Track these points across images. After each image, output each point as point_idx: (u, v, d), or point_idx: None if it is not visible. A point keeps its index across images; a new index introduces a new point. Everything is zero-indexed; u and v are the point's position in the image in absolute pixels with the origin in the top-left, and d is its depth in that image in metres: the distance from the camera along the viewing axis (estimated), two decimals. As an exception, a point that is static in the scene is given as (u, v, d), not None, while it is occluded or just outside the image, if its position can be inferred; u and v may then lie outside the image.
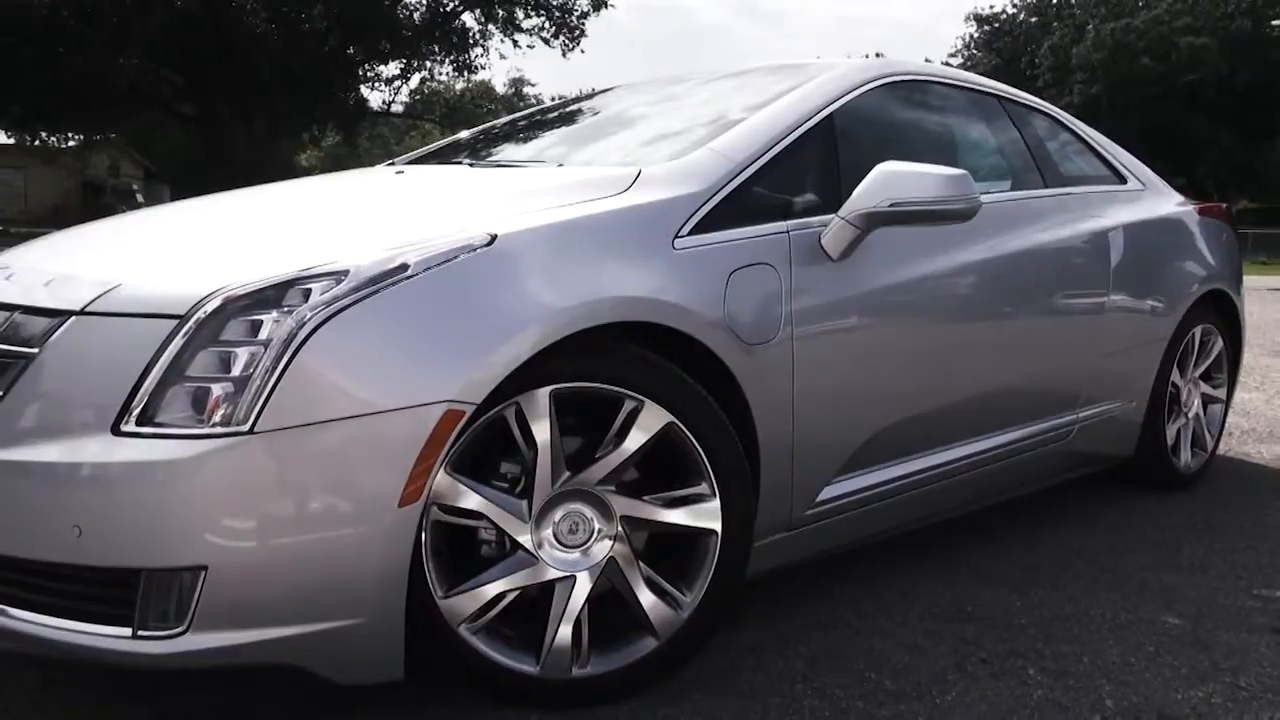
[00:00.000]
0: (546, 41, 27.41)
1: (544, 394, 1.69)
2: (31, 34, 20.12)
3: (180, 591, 1.47)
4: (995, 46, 47.53)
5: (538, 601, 1.76)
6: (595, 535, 1.78)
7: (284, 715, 1.79)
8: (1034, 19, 47.06)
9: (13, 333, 1.65)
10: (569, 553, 1.76)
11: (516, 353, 1.62)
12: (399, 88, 30.17)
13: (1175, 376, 3.26)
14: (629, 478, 1.82)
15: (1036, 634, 2.15)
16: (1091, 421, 2.93)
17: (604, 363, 1.75)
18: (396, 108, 30.95)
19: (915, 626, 2.18)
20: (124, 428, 1.48)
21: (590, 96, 3.37)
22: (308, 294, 1.54)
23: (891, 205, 2.07)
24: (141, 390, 1.49)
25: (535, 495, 1.73)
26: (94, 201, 30.53)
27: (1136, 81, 37.62)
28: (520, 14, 26.95)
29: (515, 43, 27.98)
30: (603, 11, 26.99)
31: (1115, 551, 2.70)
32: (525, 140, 2.98)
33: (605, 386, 1.75)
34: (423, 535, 1.61)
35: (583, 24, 27.16)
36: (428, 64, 28.30)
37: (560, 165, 2.37)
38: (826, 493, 2.15)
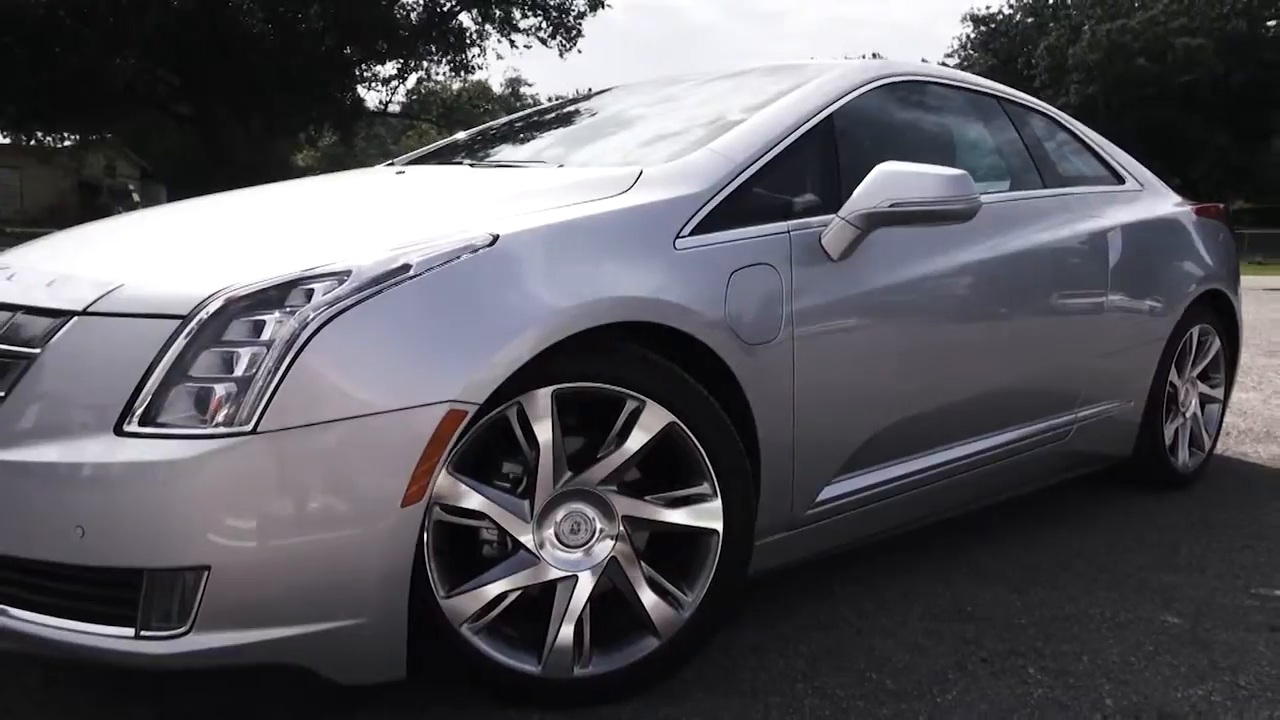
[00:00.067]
0: (543, 42, 27.42)
1: (546, 394, 1.69)
2: (27, 34, 20.08)
3: (183, 591, 1.47)
4: (992, 47, 47.61)
5: (539, 601, 1.76)
6: (597, 535, 1.78)
7: (286, 715, 1.79)
8: (1030, 20, 47.16)
9: (14, 333, 1.65)
10: (571, 552, 1.76)
11: (519, 353, 1.62)
12: (396, 88, 30.25)
13: (1173, 376, 3.27)
14: (630, 478, 1.82)
15: (1036, 633, 2.15)
16: (1090, 421, 2.93)
17: (606, 363, 1.75)
18: (393, 108, 30.95)
19: (915, 626, 2.18)
20: (126, 428, 1.48)
21: (588, 97, 3.37)
22: (310, 294, 1.54)
23: (892, 205, 2.08)
24: (144, 390, 1.49)
25: (537, 495, 1.73)
26: (90, 202, 30.48)
27: (1132, 82, 37.70)
28: (517, 14, 26.96)
29: (512, 43, 28.03)
30: (599, 11, 27.01)
31: (1114, 551, 2.71)
32: (525, 141, 2.98)
33: (607, 387, 1.75)
34: (425, 535, 1.62)
35: (579, 24, 27.17)
36: (425, 64, 28.31)
37: (561, 166, 2.37)
38: (827, 492, 2.16)
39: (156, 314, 1.55)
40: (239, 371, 1.49)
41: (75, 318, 1.59)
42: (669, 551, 1.87)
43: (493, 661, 1.72)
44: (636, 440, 1.77)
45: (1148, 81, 37.52)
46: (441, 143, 3.19)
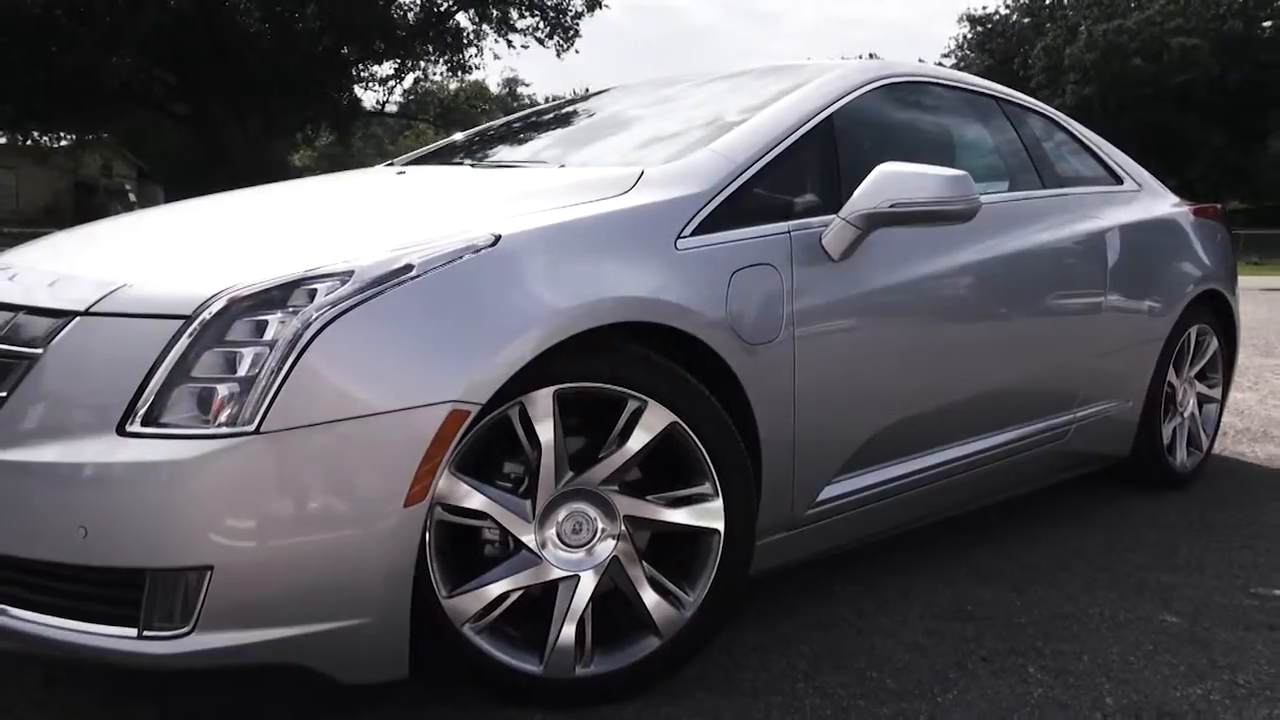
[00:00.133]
0: (541, 41, 27.43)
1: (548, 394, 1.69)
2: (23, 33, 20.05)
3: (186, 591, 1.47)
4: (988, 47, 47.66)
5: (541, 601, 1.76)
6: (598, 535, 1.78)
7: (288, 715, 1.79)
8: (1027, 20, 47.21)
9: (16, 333, 1.65)
10: (572, 552, 1.76)
11: (521, 353, 1.62)
12: (393, 88, 30.17)
13: (1171, 376, 3.28)
14: (632, 477, 1.83)
15: (1036, 633, 2.16)
16: (1088, 421, 2.94)
17: (607, 363, 1.76)
18: (390, 108, 30.95)
19: (916, 625, 2.19)
20: (129, 428, 1.48)
21: (588, 98, 3.37)
22: (313, 294, 1.54)
23: (892, 206, 2.08)
24: (147, 391, 1.49)
25: (539, 495, 1.73)
26: (86, 201, 30.44)
27: (1129, 82, 37.76)
28: (514, 14, 26.96)
29: (509, 43, 28.09)
30: (597, 11, 27.02)
31: (1113, 551, 2.72)
32: (525, 141, 2.98)
33: (609, 387, 1.75)
34: (427, 535, 1.62)
35: (577, 24, 27.21)
36: (422, 64, 28.30)
37: (562, 166, 2.38)
38: (827, 492, 2.16)
39: (159, 314, 1.55)
40: (242, 371, 1.49)
41: (78, 318, 1.59)
42: (670, 551, 1.87)
43: (494, 661, 1.72)
44: (638, 440, 1.77)
45: (1144, 82, 37.58)
46: (441, 143, 3.20)
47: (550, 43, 27.43)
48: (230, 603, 1.48)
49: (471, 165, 2.63)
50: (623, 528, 1.79)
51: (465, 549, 1.74)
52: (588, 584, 1.76)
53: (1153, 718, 1.80)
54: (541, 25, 27.21)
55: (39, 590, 1.54)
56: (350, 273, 1.57)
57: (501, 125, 3.24)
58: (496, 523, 1.71)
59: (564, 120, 3.09)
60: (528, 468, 1.74)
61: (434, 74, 29.85)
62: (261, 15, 24.38)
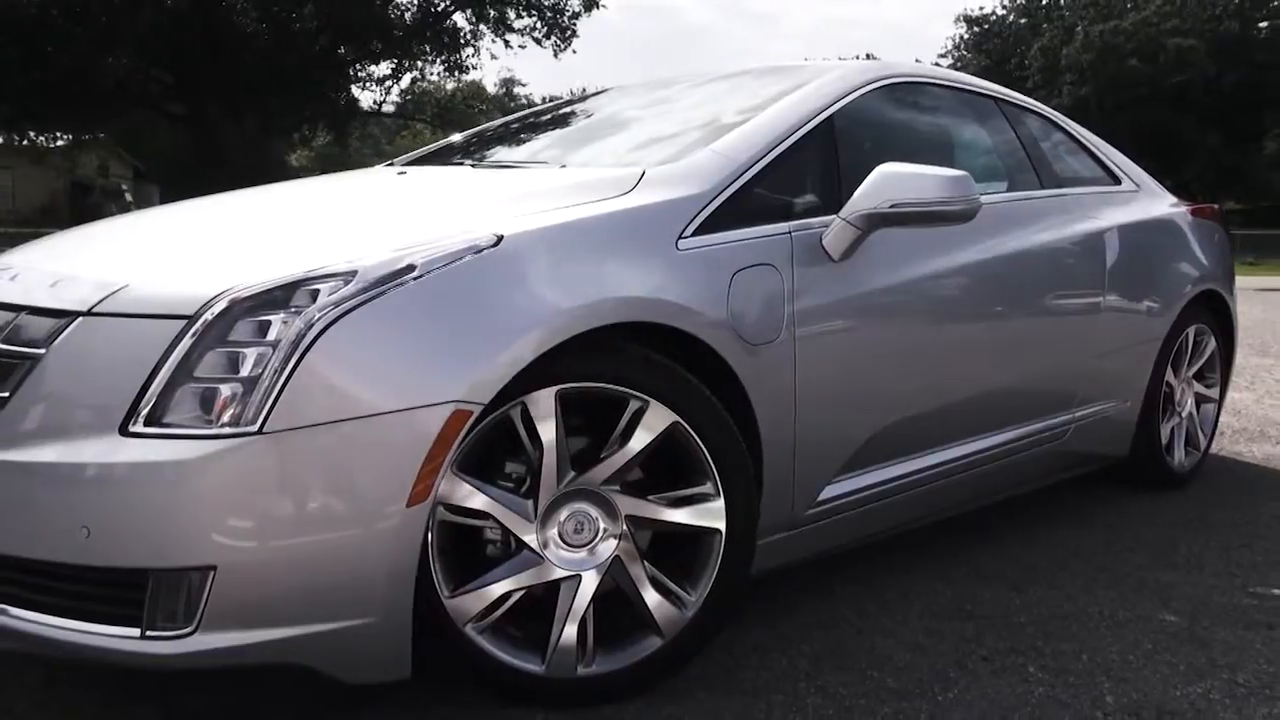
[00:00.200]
0: (538, 42, 27.44)
1: (550, 394, 1.70)
2: (19, 33, 20.01)
3: (189, 592, 1.47)
4: (985, 48, 47.69)
5: (543, 601, 1.76)
6: (600, 535, 1.78)
7: (290, 715, 1.79)
8: (1023, 20, 47.25)
9: (18, 334, 1.65)
10: (574, 552, 1.77)
11: (523, 353, 1.63)
12: (390, 88, 30.12)
13: (1169, 376, 3.28)
14: (634, 477, 1.83)
15: (1036, 632, 2.16)
16: (1087, 421, 2.95)
17: (609, 363, 1.76)
18: (388, 108, 30.93)
19: (916, 625, 2.19)
20: (132, 428, 1.49)
21: (587, 98, 3.37)
22: (315, 295, 1.54)
23: (892, 206, 2.09)
24: (149, 391, 1.49)
25: (541, 495, 1.73)
26: (82, 201, 30.35)
27: (1125, 83, 37.80)
28: (512, 14, 26.96)
29: (507, 43, 28.03)
30: (594, 12, 27.02)
31: (1112, 550, 2.72)
32: (526, 142, 2.99)
33: (610, 387, 1.75)
34: (429, 535, 1.62)
35: (574, 24, 27.21)
36: (419, 64, 28.29)
37: (563, 166, 2.38)
38: (827, 492, 2.17)
39: (162, 314, 1.55)
40: (245, 372, 1.49)
41: (80, 318, 1.59)
42: (672, 551, 1.88)
43: (497, 661, 1.72)
44: (640, 440, 1.77)
45: (1140, 82, 37.64)
46: (441, 143, 3.20)
47: (547, 43, 27.46)
48: (233, 603, 1.48)
49: (472, 165, 2.63)
50: (624, 527, 1.79)
51: (467, 549, 1.74)
52: (589, 584, 1.76)
53: (1153, 716, 1.81)
54: (539, 25, 27.23)
55: (41, 590, 1.54)
56: (353, 273, 1.57)
57: (501, 126, 3.24)
58: (498, 523, 1.71)
59: (564, 121, 3.10)
60: (529, 468, 1.74)
61: (431, 74, 29.86)
62: (258, 15, 24.36)
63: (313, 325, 1.51)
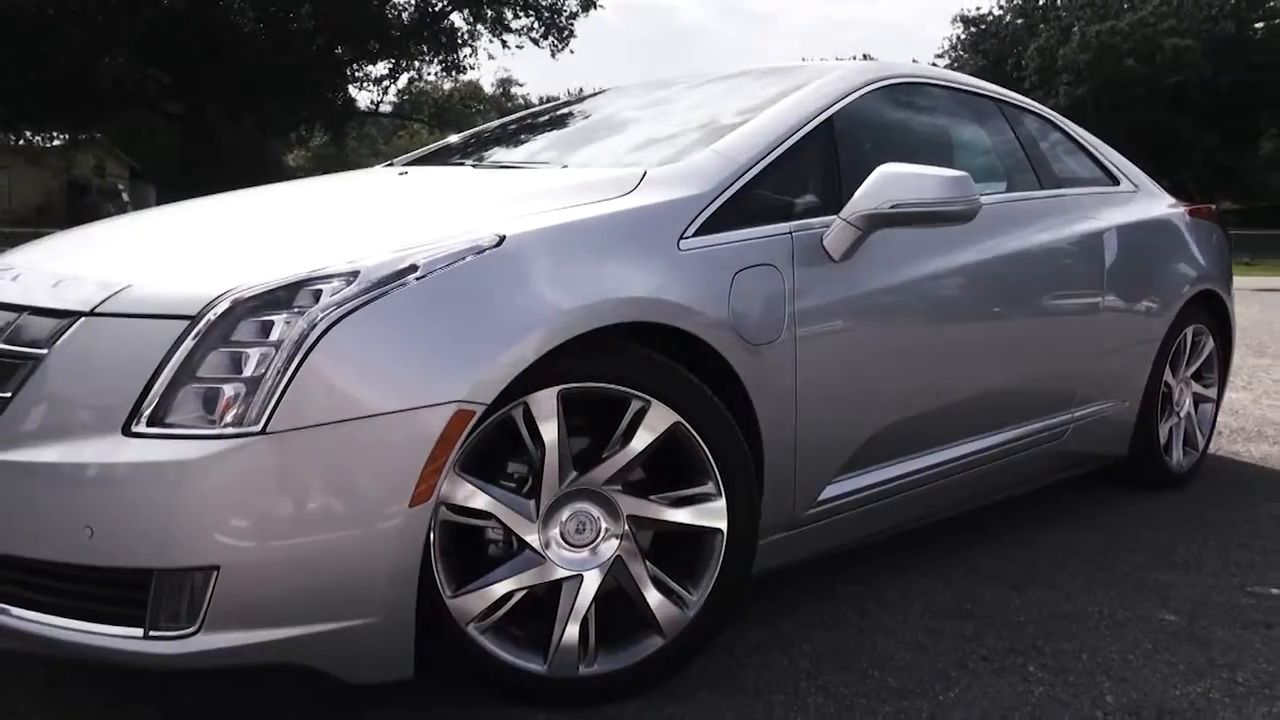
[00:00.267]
0: (535, 42, 27.44)
1: (552, 394, 1.70)
2: (15, 34, 19.98)
3: (192, 592, 1.47)
4: (981, 48, 47.71)
5: (545, 601, 1.76)
6: (602, 534, 1.79)
7: (292, 715, 1.79)
8: (1020, 21, 47.28)
9: (20, 334, 1.65)
10: (576, 552, 1.77)
11: (525, 353, 1.63)
12: (387, 88, 30.13)
13: (1168, 376, 3.29)
14: (635, 477, 1.83)
15: (1036, 631, 2.17)
16: (1086, 421, 2.96)
17: (611, 363, 1.76)
18: (385, 108, 30.92)
19: (916, 625, 2.20)
20: (135, 428, 1.49)
21: (586, 99, 3.38)
22: (318, 295, 1.55)
23: (893, 207, 2.09)
24: (152, 391, 1.49)
25: (543, 495, 1.74)
26: (78, 201, 30.30)
27: (1121, 83, 37.84)
28: (509, 14, 26.95)
29: (504, 43, 28.04)
30: (591, 12, 27.03)
31: (1111, 550, 2.73)
32: (526, 142, 2.99)
33: (612, 387, 1.76)
34: (432, 535, 1.62)
35: (571, 24, 27.20)
36: (416, 64, 28.29)
37: (564, 167, 2.38)
38: (828, 492, 2.17)
39: (164, 314, 1.55)
40: (248, 372, 1.49)
41: (82, 318, 1.59)
42: (673, 551, 1.88)
43: (499, 661, 1.72)
44: (641, 440, 1.78)
45: (1137, 82, 37.67)
46: (441, 143, 3.20)
47: (545, 43, 27.47)
48: (236, 603, 1.48)
49: (473, 166, 2.63)
50: (626, 527, 1.80)
51: (469, 549, 1.75)
52: (591, 583, 1.76)
53: (1153, 716, 1.81)
54: (536, 26, 27.24)
55: (44, 590, 1.54)
56: (355, 273, 1.57)
57: (502, 126, 3.24)
58: (500, 522, 1.71)
59: (565, 121, 3.10)
60: (531, 468, 1.75)
61: (428, 74, 29.87)
62: (256, 15, 24.35)
63: (316, 325, 1.51)
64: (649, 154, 2.31)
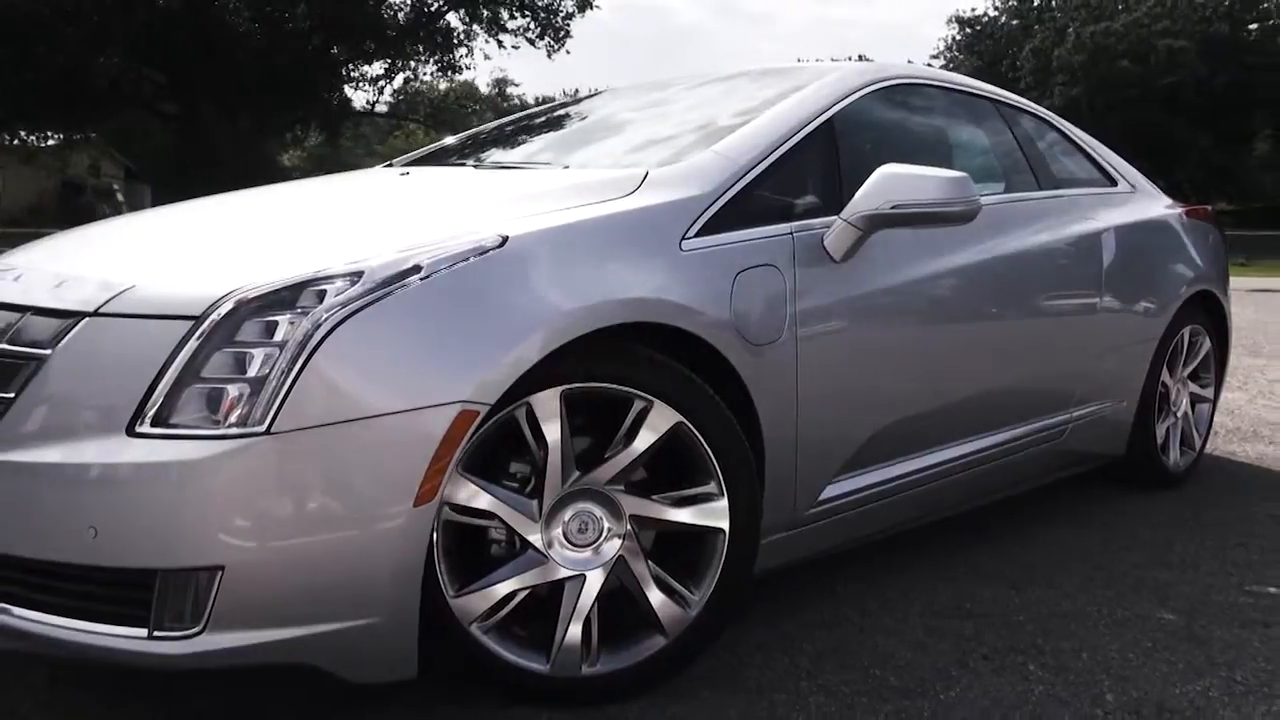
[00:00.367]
0: (531, 42, 27.43)
1: (555, 394, 1.70)
2: (11, 33, 19.93)
3: (196, 592, 1.47)
4: (977, 49, 47.75)
5: (548, 600, 1.77)
6: (605, 534, 1.79)
7: (294, 715, 1.79)
8: (1015, 22, 47.34)
9: (23, 334, 1.65)
10: (579, 552, 1.77)
11: (528, 353, 1.63)
12: (383, 88, 30.10)
13: (1165, 376, 3.30)
14: (638, 477, 1.84)
15: (1036, 630, 2.18)
16: (1084, 421, 2.97)
17: (614, 363, 1.77)
18: (380, 108, 30.89)
19: (917, 624, 2.20)
20: (139, 429, 1.49)
21: (584, 100, 3.38)
22: (322, 295, 1.55)
23: (893, 207, 2.10)
24: (156, 391, 1.49)
25: (545, 495, 1.74)
26: (73, 201, 30.23)
27: (1116, 83, 37.90)
28: (505, 14, 26.94)
29: (500, 43, 28.01)
30: (588, 12, 27.02)
31: (1109, 549, 2.74)
32: (527, 143, 2.99)
33: (615, 387, 1.76)
34: (435, 535, 1.62)
35: (568, 25, 27.21)
36: (412, 64, 28.26)
37: (566, 168, 2.39)
38: (829, 491, 2.18)
39: (169, 315, 1.55)
40: (252, 372, 1.50)
41: (86, 319, 1.59)
42: (676, 550, 1.88)
43: (501, 660, 1.73)
44: (644, 440, 1.78)
45: (1131, 83, 37.73)
46: (440, 144, 3.20)
47: (541, 43, 27.46)
48: (240, 603, 1.48)
49: (474, 166, 2.64)
50: (628, 527, 1.80)
51: (472, 549, 1.75)
52: (594, 583, 1.77)
53: (1153, 714, 1.82)
54: (532, 26, 27.23)
55: (46, 590, 1.54)
56: (359, 273, 1.58)
57: (504, 126, 3.24)
58: (503, 522, 1.72)
59: (564, 122, 3.10)
60: (534, 468, 1.75)
61: (424, 74, 29.84)
62: (251, 15, 24.32)
63: (320, 326, 1.51)
64: (649, 155, 2.32)
